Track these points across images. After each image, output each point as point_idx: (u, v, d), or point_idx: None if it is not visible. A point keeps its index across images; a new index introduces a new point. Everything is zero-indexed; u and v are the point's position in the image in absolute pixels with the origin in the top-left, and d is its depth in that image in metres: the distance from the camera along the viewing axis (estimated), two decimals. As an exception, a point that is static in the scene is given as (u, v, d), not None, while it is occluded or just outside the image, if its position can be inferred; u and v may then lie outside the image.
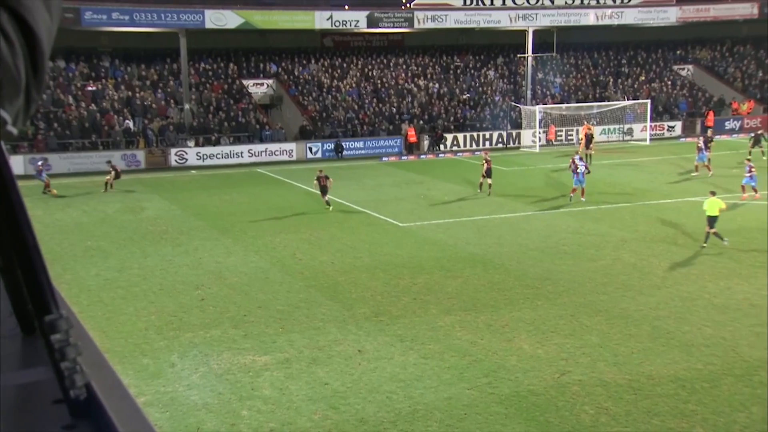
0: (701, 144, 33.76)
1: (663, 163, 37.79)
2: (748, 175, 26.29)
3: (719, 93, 53.71)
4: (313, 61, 49.14)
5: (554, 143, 45.93)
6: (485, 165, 29.07)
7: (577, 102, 49.32)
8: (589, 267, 19.21)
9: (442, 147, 44.48)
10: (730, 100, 52.79)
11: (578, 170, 27.46)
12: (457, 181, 33.92)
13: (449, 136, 44.77)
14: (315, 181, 26.83)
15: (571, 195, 27.71)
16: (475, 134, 45.45)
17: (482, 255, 20.60)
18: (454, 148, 44.26)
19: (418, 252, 21.02)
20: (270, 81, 46.85)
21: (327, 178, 26.51)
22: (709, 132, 37.80)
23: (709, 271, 18.67)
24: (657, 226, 23.64)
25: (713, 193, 21.21)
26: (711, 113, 49.52)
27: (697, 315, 15.57)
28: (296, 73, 47.74)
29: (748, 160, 27.55)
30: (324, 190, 26.34)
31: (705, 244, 20.50)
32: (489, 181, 29.17)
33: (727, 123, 50.57)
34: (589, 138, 37.40)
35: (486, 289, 17.52)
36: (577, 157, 28.14)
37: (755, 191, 26.28)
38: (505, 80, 51.81)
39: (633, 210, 26.38)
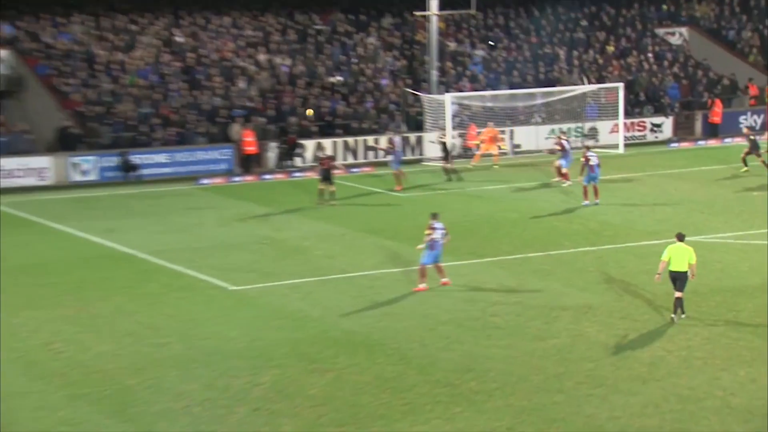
0: (564, 143, 39.31)
1: (646, 184, 39.90)
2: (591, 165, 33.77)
3: (728, 70, 57.49)
4: (77, 19, 48.38)
5: (476, 152, 47.41)
6: (323, 165, 35.85)
7: (510, 87, 51.27)
8: (534, 349, 19.89)
9: (298, 161, 44.80)
10: (745, 82, 56.68)
11: (590, 162, 34.23)
12: (324, 214, 34.22)
13: (309, 143, 45.20)
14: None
15: (586, 202, 34.49)
16: (350, 140, 46.14)
17: (366, 334, 20.88)
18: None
19: (262, 332, 21.03)
20: (1, 52, 45.65)
21: None
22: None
23: (722, 353, 19.71)
24: (637, 283, 24.85)
25: (681, 238, 21.90)
26: (717, 102, 52.73)
27: (705, 423, 16.32)
28: (49, 39, 46.85)
29: (588, 148, 35.26)
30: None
31: (674, 315, 21.59)
32: (331, 188, 35.78)
33: (742, 118, 53.93)
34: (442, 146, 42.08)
35: (372, 389, 17.72)
36: (589, 153, 34.92)
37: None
38: (397, 53, 53.12)
39: (601, 258, 27.59)
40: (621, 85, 49.25)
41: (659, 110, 53.24)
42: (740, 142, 50.03)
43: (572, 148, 40.63)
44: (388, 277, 25.65)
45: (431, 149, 46.66)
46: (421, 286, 24.09)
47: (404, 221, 32.88)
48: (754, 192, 36.84)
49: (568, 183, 38.29)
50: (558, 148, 39.56)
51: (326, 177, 36.09)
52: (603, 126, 50.27)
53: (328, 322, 21.75)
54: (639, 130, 51.59)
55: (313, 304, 23.23)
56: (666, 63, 57.01)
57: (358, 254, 28.35)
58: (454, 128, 46.47)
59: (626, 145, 48.68)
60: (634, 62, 56.17)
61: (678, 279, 21.47)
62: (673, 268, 21.48)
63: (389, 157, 40.55)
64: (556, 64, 54.53)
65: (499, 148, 44.88)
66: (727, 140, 50.06)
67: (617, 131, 49.24)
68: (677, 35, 60.77)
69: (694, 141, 51.36)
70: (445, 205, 35.43)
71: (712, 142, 50.59)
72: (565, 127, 48.62)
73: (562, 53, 55.53)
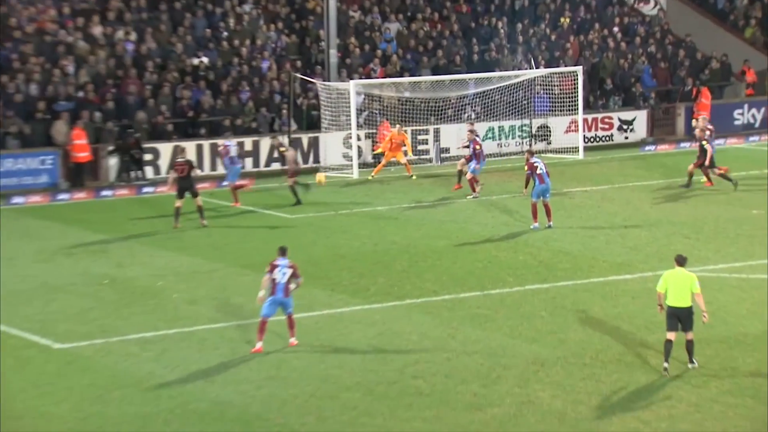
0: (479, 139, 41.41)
1: (614, 201, 40.55)
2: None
3: (719, 49, 58.48)
4: None
5: (389, 161, 47.55)
6: (179, 172, 36.46)
7: (433, 72, 51.55)
8: (470, 422, 19.96)
9: (149, 171, 44.41)
10: (740, 66, 57.82)
11: (537, 171, 34.82)
12: (185, 243, 34.15)
13: (164, 148, 44.84)
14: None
15: (535, 225, 35.09)
16: (220, 142, 45.83)
17: (242, 405, 20.80)
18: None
19: (100, 405, 20.76)
20: None
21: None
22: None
23: (715, 425, 19.84)
24: (603, 331, 25.17)
25: (681, 261, 22.33)
26: (705, 92, 53.63)
27: None
28: None
29: (531, 153, 36.03)
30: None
31: (666, 368, 21.94)
32: (197, 201, 36.59)
33: (737, 112, 55.18)
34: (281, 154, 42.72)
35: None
36: (534, 159, 35.54)
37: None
38: (283, 26, 52.97)
39: (555, 299, 27.88)
40: (580, 70, 49.91)
41: (630, 102, 54.02)
42: (735, 143, 51.12)
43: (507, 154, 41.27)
44: (272, 327, 25.47)
45: (332, 155, 46.68)
46: (258, 346, 23.76)
47: (296, 252, 32.64)
48: (754, 210, 37.55)
49: (475, 195, 39.86)
50: (476, 147, 40.26)
51: (185, 188, 36.04)
52: (557, 123, 51.00)
53: (191, 391, 21.54)
54: (604, 129, 52.26)
55: (170, 366, 22.99)
56: (638, 40, 57.85)
57: (233, 297, 28.23)
58: (360, 126, 46.57)
59: (587, 149, 49.27)
60: (596, 39, 56.96)
61: (680, 317, 21.70)
62: (673, 302, 21.76)
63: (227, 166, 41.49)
64: (494, 41, 55.03)
65: (405, 154, 45.35)
66: (719, 141, 50.91)
67: (575, 130, 49.85)
68: (652, 3, 61.70)
69: (676, 142, 52.20)
70: (349, 230, 35.57)
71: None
72: (507, 125, 49.09)
73: (501, 27, 56.08)
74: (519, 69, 51.64)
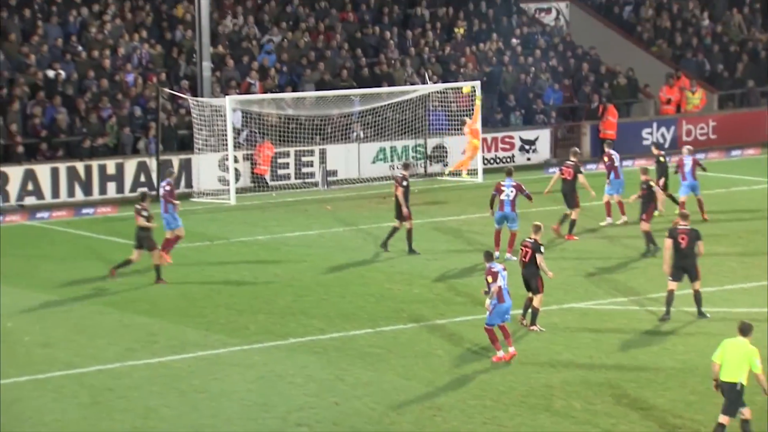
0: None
1: (523, 228, 40.53)
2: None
3: (625, 63, 59.31)
4: None
5: (271, 184, 47.38)
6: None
7: (317, 86, 51.45)
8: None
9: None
10: (648, 80, 58.70)
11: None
12: (37, 282, 33.64)
13: (12, 172, 44.26)
14: None
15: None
16: (79, 165, 45.40)
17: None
18: (27, 200, 43.91)
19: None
20: None
21: None
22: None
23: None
24: (502, 369, 25.37)
25: (744, 330, 20.54)
26: (611, 109, 54.33)
27: None
28: None
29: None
30: None
31: None
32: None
33: (646, 131, 56.07)
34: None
35: None
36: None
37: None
38: (148, 35, 52.50)
39: (454, 335, 27.97)
40: (478, 85, 50.15)
41: (531, 120, 54.44)
42: (643, 164, 51.46)
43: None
44: (140, 371, 25.31)
45: (206, 179, 46.37)
46: (500, 354, 25.66)
47: (167, 287, 32.53)
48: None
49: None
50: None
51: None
52: (454, 143, 50.99)
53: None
54: (505, 149, 52.40)
55: (21, 418, 22.66)
56: (539, 54, 58.19)
57: (94, 339, 27.90)
58: (237, 147, 46.49)
59: (487, 171, 49.26)
60: (492, 51, 57.31)
61: (727, 393, 20.48)
62: (722, 376, 20.46)
63: None
64: (383, 52, 55.17)
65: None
66: (626, 163, 51.38)
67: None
68: (553, 12, 62.19)
69: (582, 164, 52.37)
70: (225, 262, 35.49)
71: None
72: (399, 145, 49.18)
73: (390, 37, 56.26)
74: (411, 83, 51.73)
